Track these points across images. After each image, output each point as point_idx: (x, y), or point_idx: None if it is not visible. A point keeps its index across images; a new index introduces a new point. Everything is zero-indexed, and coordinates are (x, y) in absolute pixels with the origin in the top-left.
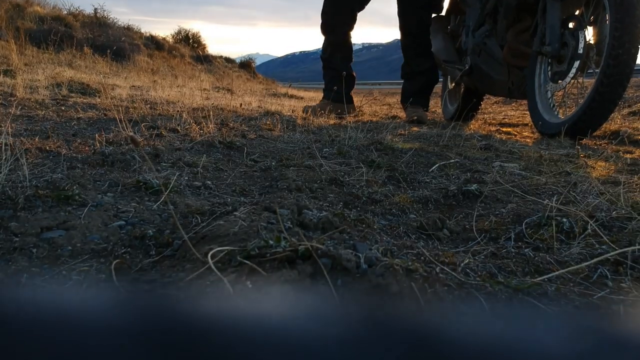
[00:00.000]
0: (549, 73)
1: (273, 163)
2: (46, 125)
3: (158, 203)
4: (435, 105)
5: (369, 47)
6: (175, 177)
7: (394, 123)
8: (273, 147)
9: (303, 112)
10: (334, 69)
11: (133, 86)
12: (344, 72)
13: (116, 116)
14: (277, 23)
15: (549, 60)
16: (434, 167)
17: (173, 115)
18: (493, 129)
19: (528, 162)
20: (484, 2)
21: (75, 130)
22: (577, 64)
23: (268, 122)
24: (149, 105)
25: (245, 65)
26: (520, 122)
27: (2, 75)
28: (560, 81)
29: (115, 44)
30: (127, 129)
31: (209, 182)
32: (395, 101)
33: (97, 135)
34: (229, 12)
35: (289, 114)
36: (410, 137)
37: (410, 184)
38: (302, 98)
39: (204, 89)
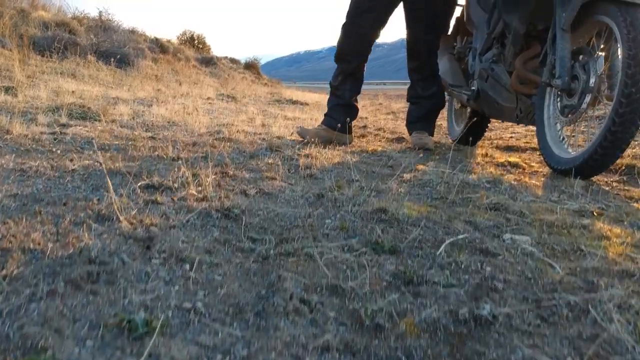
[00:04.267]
0: (559, 105)
1: (272, 250)
2: (38, 186)
3: None
4: (441, 116)
5: (374, 46)
6: (163, 296)
7: (399, 156)
8: (273, 212)
9: (298, 133)
10: (340, 98)
11: (136, 99)
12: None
13: (112, 167)
14: (283, 22)
15: (559, 92)
16: (441, 248)
17: (172, 158)
18: (501, 159)
19: (540, 230)
20: (491, 25)
21: (67, 193)
22: (588, 98)
23: (270, 161)
24: (149, 134)
25: (250, 66)
26: (528, 146)
27: (3, 93)
28: (570, 115)
29: (119, 50)
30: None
31: (199, 302)
32: (400, 107)
33: (84, 222)
34: (233, 9)
35: (291, 138)
36: (415, 187)
37: (417, 288)
38: (306, 104)
39: (208, 98)
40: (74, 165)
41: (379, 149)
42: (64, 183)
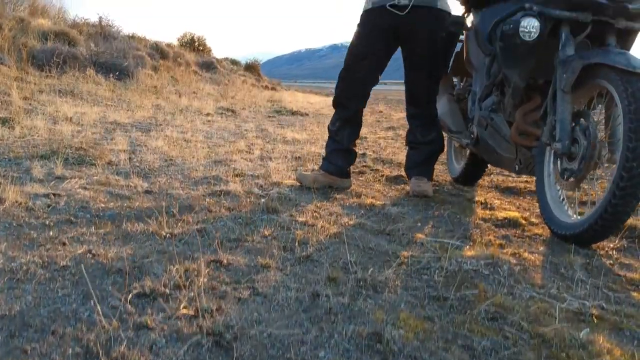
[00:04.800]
0: (559, 167)
1: None
2: (27, 298)
3: None
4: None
5: None
6: None
7: (397, 213)
8: (266, 335)
9: (297, 179)
10: (339, 143)
11: (135, 122)
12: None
13: (104, 259)
14: (283, 20)
15: (559, 154)
16: None
17: (165, 236)
18: (500, 212)
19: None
20: (490, 71)
21: (56, 307)
22: (588, 163)
23: (266, 233)
24: (145, 185)
25: (251, 67)
26: (528, 187)
27: (0, 125)
28: (570, 179)
29: (118, 61)
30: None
31: None
32: (401, 117)
33: None
34: (234, 8)
35: (290, 183)
36: (413, 277)
37: None
38: (306, 115)
39: (207, 114)
40: (65, 256)
41: (377, 203)
42: (54, 289)
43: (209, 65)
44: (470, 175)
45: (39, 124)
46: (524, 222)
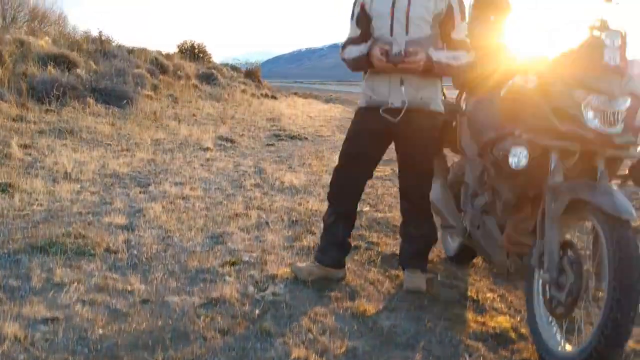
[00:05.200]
0: (548, 293)
1: None
2: None
3: None
4: None
5: None
6: None
7: (390, 328)
8: None
9: (293, 271)
10: (334, 235)
11: (133, 173)
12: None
13: None
14: (284, 19)
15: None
16: None
17: None
18: (490, 320)
19: None
20: (480, 172)
21: None
22: (575, 297)
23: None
24: (143, 285)
25: (251, 73)
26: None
27: None
28: (558, 309)
29: (118, 86)
30: None
31: None
32: None
33: None
34: (234, 7)
35: (286, 274)
36: None
37: None
38: (306, 139)
39: (207, 149)
40: None
41: (371, 309)
42: None
43: (208, 77)
44: (465, 255)
45: (38, 185)
46: (514, 336)
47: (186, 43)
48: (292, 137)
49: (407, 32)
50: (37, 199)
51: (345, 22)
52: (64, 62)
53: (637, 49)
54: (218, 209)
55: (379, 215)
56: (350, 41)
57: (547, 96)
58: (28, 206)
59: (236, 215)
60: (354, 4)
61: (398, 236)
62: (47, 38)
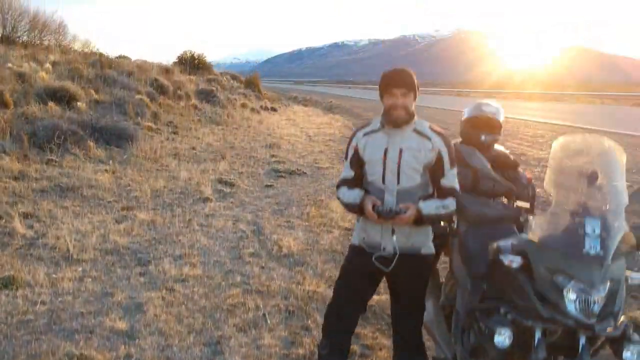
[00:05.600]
0: None
1: None
2: None
3: None
4: None
5: (374, 43)
6: None
7: None
8: None
9: None
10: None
11: (133, 246)
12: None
13: None
14: (284, 18)
15: None
16: None
17: None
18: None
19: None
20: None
21: None
22: None
23: None
24: None
25: (251, 82)
26: None
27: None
28: None
29: (119, 124)
30: None
31: None
32: None
33: None
34: (233, 6)
35: None
36: None
37: None
38: (305, 174)
39: (207, 200)
40: None
41: None
42: None
43: (208, 94)
44: None
45: (41, 276)
46: None
47: (186, 54)
48: (291, 173)
49: (398, 182)
50: (39, 295)
51: (345, 21)
52: (64, 96)
53: (638, 48)
54: (217, 296)
55: (374, 297)
56: (345, 182)
57: (531, 279)
58: (31, 306)
59: (234, 306)
60: (349, 144)
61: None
62: (47, 65)
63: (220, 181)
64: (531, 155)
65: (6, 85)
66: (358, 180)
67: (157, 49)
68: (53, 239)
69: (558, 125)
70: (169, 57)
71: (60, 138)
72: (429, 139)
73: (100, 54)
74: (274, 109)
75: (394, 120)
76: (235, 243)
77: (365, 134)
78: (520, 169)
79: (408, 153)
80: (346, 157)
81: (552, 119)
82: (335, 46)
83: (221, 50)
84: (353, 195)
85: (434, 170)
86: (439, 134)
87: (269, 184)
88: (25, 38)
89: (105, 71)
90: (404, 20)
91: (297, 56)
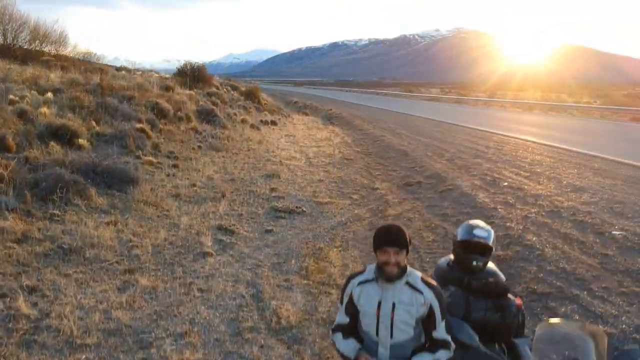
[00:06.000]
0: None
1: None
2: None
3: None
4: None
5: (375, 43)
6: None
7: None
8: None
9: None
10: None
11: (136, 323)
12: None
13: None
14: (284, 18)
15: None
16: None
17: None
18: None
19: None
20: None
21: None
22: None
23: None
24: None
25: (251, 94)
26: None
27: None
28: None
29: (120, 166)
30: None
31: None
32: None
33: None
34: (233, 6)
35: None
36: None
37: None
38: (304, 212)
39: (208, 254)
40: None
41: None
42: None
43: (208, 114)
44: None
45: None
46: None
47: (186, 66)
48: (291, 212)
49: (391, 336)
50: None
51: (345, 21)
52: (65, 134)
53: (638, 48)
54: None
55: None
56: (340, 328)
57: None
58: None
59: None
60: (344, 290)
61: None
62: (49, 94)
63: (220, 228)
64: (528, 190)
65: (8, 127)
66: (353, 326)
67: (158, 49)
68: (57, 319)
69: (556, 149)
70: (169, 56)
71: (63, 190)
72: (421, 292)
73: (101, 73)
74: (273, 123)
75: (387, 276)
76: (235, 314)
77: (359, 283)
78: (510, 296)
79: (401, 307)
80: (341, 302)
81: (550, 138)
82: (335, 46)
83: (221, 50)
84: (348, 348)
85: (426, 323)
86: (430, 286)
87: (268, 228)
88: (26, 85)
89: (105, 99)
90: (404, 20)
91: (296, 56)
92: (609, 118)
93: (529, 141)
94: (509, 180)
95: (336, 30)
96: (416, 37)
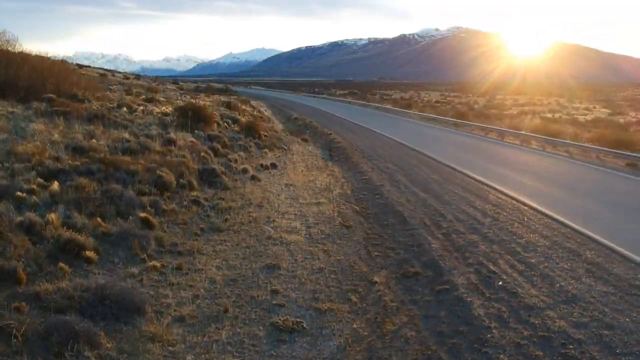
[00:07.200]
0: None
1: None
2: None
3: None
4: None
5: (375, 42)
6: None
7: None
8: None
9: None
10: None
11: None
12: None
13: None
14: (284, 17)
15: None
16: None
17: None
18: None
19: None
20: None
21: None
22: None
23: None
24: None
25: (251, 129)
26: None
27: None
28: None
29: (127, 294)
30: None
31: None
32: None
33: None
34: (234, 5)
35: None
36: None
37: None
38: (304, 331)
39: None
40: None
41: None
42: None
43: (210, 174)
44: None
45: None
46: None
47: (187, 106)
48: (291, 331)
49: None
50: None
51: (345, 21)
52: (73, 249)
53: (638, 48)
54: None
55: None
56: None
57: None
58: None
59: None
60: None
61: None
62: (55, 184)
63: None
64: (522, 298)
65: (18, 254)
66: None
67: (158, 50)
68: None
69: (554, 221)
70: (168, 55)
71: (73, 347)
72: None
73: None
74: (274, 166)
75: None
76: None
77: None
78: None
79: None
80: None
81: (548, 200)
82: (335, 45)
83: (221, 49)
84: None
85: None
86: None
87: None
88: (34, 186)
89: (110, 185)
90: (401, 19)
91: (297, 55)
92: (609, 164)
93: (526, 206)
94: (504, 277)
95: (336, 30)
96: (416, 36)
